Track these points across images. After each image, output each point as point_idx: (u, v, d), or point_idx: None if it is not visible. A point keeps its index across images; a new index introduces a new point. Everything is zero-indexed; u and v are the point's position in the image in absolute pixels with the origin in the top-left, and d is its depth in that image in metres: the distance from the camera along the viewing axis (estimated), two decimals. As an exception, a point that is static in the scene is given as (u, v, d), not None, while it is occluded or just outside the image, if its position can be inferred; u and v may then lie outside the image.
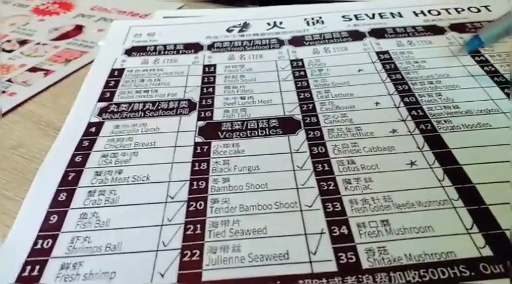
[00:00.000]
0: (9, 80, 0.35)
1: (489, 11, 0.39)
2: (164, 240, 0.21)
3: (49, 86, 0.34)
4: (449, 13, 0.39)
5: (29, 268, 0.20)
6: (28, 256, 0.21)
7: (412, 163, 0.24)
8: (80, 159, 0.26)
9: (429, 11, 0.39)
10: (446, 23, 0.37)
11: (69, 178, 0.25)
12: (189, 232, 0.21)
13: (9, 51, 0.39)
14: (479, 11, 0.39)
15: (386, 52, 0.34)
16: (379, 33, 0.36)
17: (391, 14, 0.39)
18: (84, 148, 0.27)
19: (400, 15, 0.39)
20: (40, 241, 0.21)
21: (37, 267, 0.20)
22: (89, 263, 0.20)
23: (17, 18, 0.45)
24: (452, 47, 0.34)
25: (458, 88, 0.30)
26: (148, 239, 0.21)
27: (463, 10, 0.39)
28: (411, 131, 0.26)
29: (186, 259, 0.20)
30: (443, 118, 0.27)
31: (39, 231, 0.22)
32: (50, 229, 0.22)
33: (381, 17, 0.39)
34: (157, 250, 0.21)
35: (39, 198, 0.24)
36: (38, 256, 0.21)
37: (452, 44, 0.34)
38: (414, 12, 0.39)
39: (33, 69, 0.36)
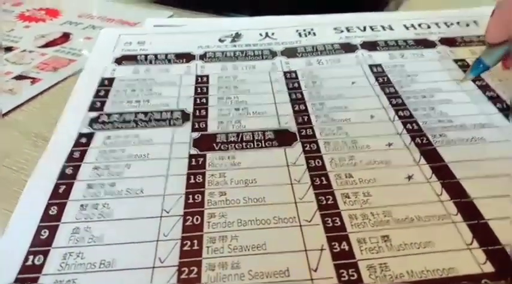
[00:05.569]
0: (-7, 88, 0.33)
1: (477, 25, 0.39)
2: (161, 256, 0.20)
3: (36, 95, 0.33)
4: (438, 27, 0.39)
5: (19, 285, 0.19)
6: (19, 273, 0.20)
7: (409, 177, 0.24)
8: (71, 171, 0.25)
9: (419, 25, 0.40)
10: (436, 37, 0.38)
11: (60, 191, 0.24)
12: (186, 248, 0.21)
13: (-6, 58, 0.38)
14: (467, 25, 0.39)
15: (379, 65, 0.34)
16: (371, 46, 0.37)
17: (382, 27, 0.39)
18: (74, 159, 0.26)
19: (391, 28, 0.39)
20: (31, 257, 0.20)
21: (28, 285, 0.19)
22: (82, 281, 0.20)
23: (1, 24, 0.43)
24: (455, 72, 0.33)
25: (451, 103, 0.30)
26: (144, 255, 0.20)
27: (452, 24, 0.40)
28: (407, 145, 0.26)
29: (184, 276, 0.20)
30: (438, 132, 0.27)
31: (30, 247, 0.21)
32: (42, 244, 0.21)
33: (372, 29, 0.39)
34: (153, 267, 0.20)
35: (29, 211, 0.23)
36: (29, 273, 0.20)
37: (443, 57, 0.35)
38: (405, 25, 0.40)
39: (20, 77, 0.35)
